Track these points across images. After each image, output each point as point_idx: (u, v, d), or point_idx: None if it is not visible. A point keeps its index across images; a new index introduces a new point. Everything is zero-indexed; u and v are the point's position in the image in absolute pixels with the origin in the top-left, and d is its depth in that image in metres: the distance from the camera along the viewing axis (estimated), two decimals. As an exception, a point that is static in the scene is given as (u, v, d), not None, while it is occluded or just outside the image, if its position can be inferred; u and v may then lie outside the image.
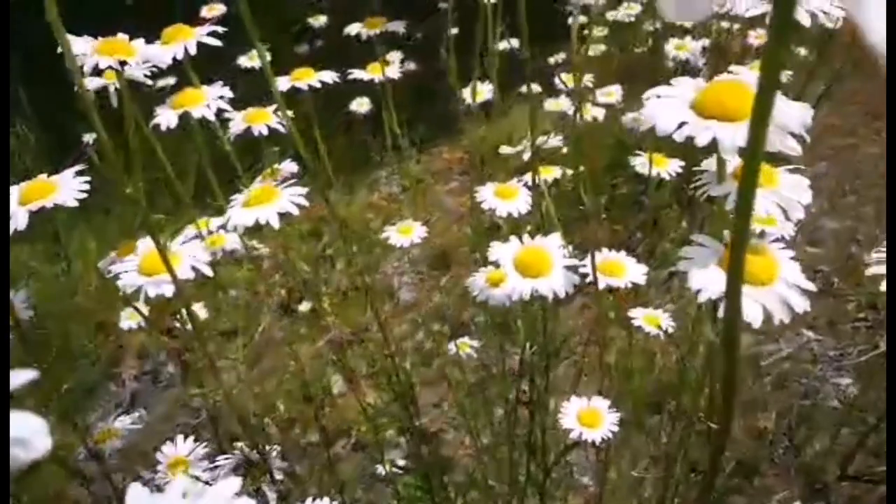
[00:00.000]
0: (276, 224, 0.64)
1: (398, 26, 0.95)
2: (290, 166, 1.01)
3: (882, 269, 0.54)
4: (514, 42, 1.81)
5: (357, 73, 1.03)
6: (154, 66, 0.73)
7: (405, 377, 1.49)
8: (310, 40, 1.95)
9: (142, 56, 0.71)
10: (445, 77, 1.12)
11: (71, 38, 0.71)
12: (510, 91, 1.56)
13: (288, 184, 0.68)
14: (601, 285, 0.82)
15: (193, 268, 0.63)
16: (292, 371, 1.43)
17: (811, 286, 0.55)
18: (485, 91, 1.34)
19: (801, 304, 0.52)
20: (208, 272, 0.63)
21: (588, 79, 1.60)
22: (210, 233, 0.97)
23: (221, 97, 0.78)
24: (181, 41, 0.76)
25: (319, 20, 1.81)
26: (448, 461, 1.27)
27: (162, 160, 0.82)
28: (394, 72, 1.04)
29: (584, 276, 0.82)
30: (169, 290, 0.60)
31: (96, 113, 0.59)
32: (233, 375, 1.44)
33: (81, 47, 0.70)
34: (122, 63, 0.70)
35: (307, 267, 1.67)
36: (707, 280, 0.52)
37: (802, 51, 1.68)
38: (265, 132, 0.82)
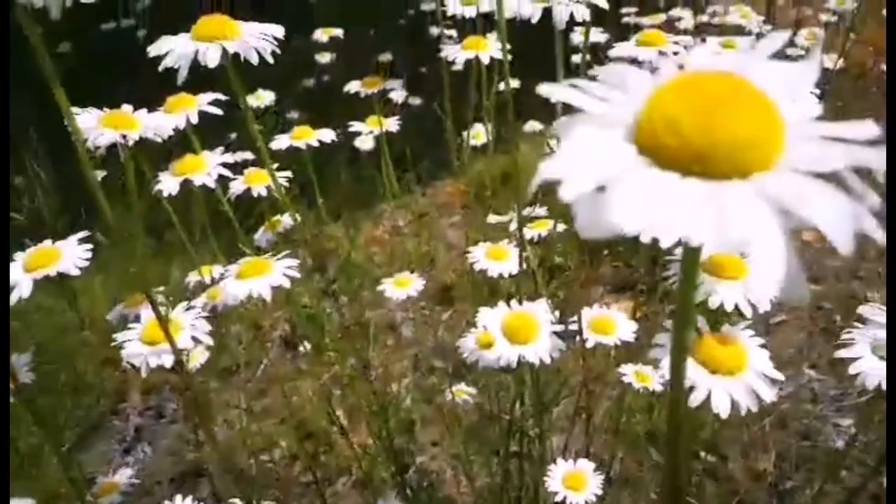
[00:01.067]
0: (268, 297, 0.66)
1: (396, 85, 0.97)
2: (288, 220, 1.03)
3: (849, 354, 0.55)
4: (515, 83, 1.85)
5: (357, 127, 1.06)
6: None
7: (405, 415, 1.51)
8: (317, 74, 1.98)
9: (144, 128, 0.74)
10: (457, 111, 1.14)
11: (76, 111, 0.74)
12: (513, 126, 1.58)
13: (281, 255, 0.71)
14: (591, 343, 0.84)
15: (194, 338, 0.65)
16: (295, 408, 1.45)
17: (779, 375, 0.57)
18: (483, 134, 1.36)
19: (769, 395, 0.54)
20: (209, 342, 0.65)
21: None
22: (213, 281, 1.00)
23: (223, 164, 0.81)
24: (183, 111, 0.79)
25: (325, 57, 1.84)
26: (446, 501, 1.28)
27: (167, 211, 0.85)
28: (392, 125, 1.06)
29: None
30: (168, 361, 0.62)
31: (100, 192, 0.61)
32: (235, 413, 1.46)
33: (86, 121, 0.72)
34: (125, 136, 0.73)
35: (311, 301, 1.70)
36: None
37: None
38: (264, 193, 0.85)
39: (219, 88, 0.78)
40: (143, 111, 0.76)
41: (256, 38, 0.60)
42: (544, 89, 0.28)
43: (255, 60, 0.61)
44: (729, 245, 0.21)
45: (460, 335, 0.80)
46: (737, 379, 0.53)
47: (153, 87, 0.77)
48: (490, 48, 0.88)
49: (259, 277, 0.68)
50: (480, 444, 1.13)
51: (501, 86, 1.66)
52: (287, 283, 0.67)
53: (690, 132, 0.24)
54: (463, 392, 1.09)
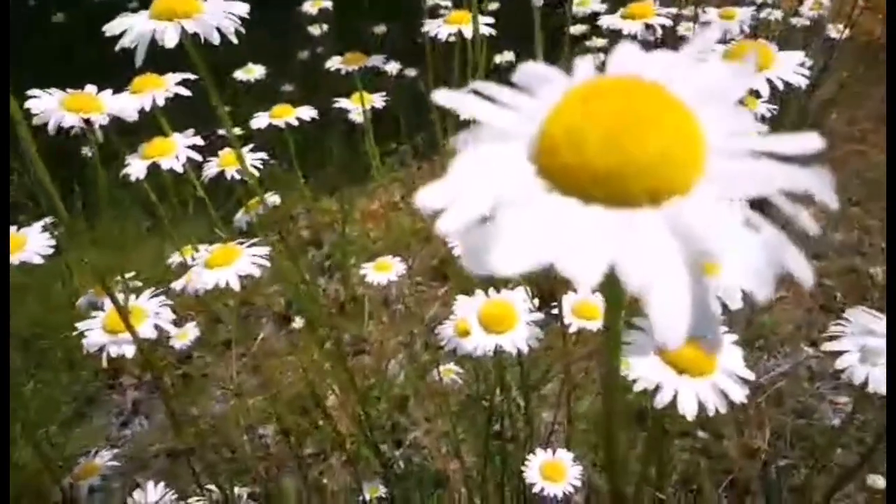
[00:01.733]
0: (236, 287, 0.65)
1: (378, 61, 0.94)
2: (273, 198, 1.02)
3: (837, 346, 0.53)
4: (509, 55, 1.81)
5: (342, 103, 1.03)
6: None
7: (399, 390, 1.51)
8: (311, 47, 1.95)
9: (109, 111, 0.72)
10: (445, 85, 1.11)
11: (36, 92, 0.72)
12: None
13: (250, 243, 0.69)
14: (574, 328, 0.82)
15: (157, 326, 0.64)
16: (286, 384, 1.45)
17: (750, 375, 0.55)
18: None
19: (740, 396, 0.52)
20: (172, 330, 0.64)
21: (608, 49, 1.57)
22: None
23: (192, 146, 0.79)
24: (150, 92, 0.77)
25: (318, 29, 1.80)
26: (437, 476, 1.28)
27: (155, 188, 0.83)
28: (378, 101, 1.04)
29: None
30: (130, 350, 0.61)
31: (55, 191, 0.59)
32: (229, 388, 1.46)
33: (46, 103, 0.70)
34: (89, 120, 0.71)
35: (307, 276, 1.69)
36: (644, 370, 0.52)
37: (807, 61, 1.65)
38: (238, 176, 0.83)
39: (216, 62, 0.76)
40: (108, 92, 0.74)
41: (219, 16, 0.58)
42: (440, 97, 0.25)
43: (216, 40, 0.58)
44: (628, 288, 0.19)
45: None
46: (706, 380, 0.51)
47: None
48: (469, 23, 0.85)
49: (227, 267, 0.66)
50: (469, 424, 1.12)
51: (498, 59, 1.63)
52: (256, 272, 0.65)
53: (593, 149, 0.21)
54: (451, 372, 1.08)
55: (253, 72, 1.57)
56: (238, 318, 1.55)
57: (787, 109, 1.75)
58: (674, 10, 0.77)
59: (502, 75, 0.27)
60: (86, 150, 1.55)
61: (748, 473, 1.36)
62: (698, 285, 0.19)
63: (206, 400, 1.47)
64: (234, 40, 0.58)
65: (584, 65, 0.26)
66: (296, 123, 0.89)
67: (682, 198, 0.22)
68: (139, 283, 0.82)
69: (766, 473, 1.34)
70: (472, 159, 0.22)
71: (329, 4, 1.46)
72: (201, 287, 0.65)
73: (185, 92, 0.76)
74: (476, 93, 0.25)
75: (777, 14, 1.49)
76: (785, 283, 1.36)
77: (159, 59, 0.68)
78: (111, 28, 0.58)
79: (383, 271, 0.94)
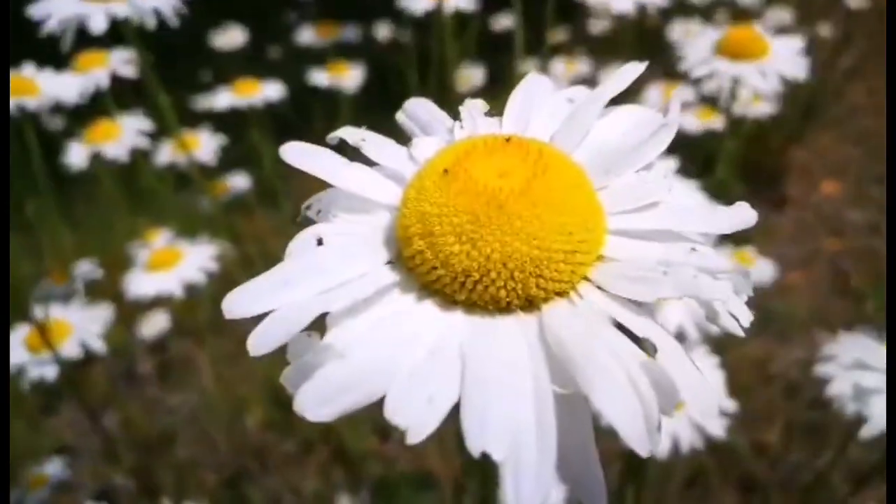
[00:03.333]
0: (179, 294, 0.59)
1: (352, 33, 0.87)
2: (239, 181, 0.95)
3: (828, 370, 0.47)
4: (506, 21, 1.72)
5: (316, 78, 0.96)
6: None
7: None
8: (299, 8, 1.87)
9: (46, 95, 0.66)
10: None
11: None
12: (506, 71, 1.48)
13: (198, 242, 0.63)
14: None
15: (84, 343, 0.58)
16: (269, 373, 1.40)
17: (730, 406, 0.49)
18: (473, 77, 1.27)
19: (718, 430, 0.46)
20: (100, 347, 0.58)
21: (591, 61, 1.51)
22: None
23: (140, 131, 0.73)
24: (94, 70, 0.70)
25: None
26: (426, 476, 1.23)
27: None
28: (354, 79, 0.97)
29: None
30: (52, 372, 0.55)
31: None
32: (210, 375, 1.41)
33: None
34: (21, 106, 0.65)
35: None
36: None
37: (824, 30, 1.56)
38: (188, 163, 0.76)
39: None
40: (48, 72, 0.68)
41: None
42: (290, 153, 0.20)
43: (151, 23, 0.52)
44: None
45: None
46: (680, 413, 0.45)
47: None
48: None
49: (169, 271, 0.60)
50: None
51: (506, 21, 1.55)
52: (202, 278, 0.59)
53: (450, 246, 0.16)
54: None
55: (232, 37, 1.49)
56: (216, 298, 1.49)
57: (808, 80, 1.66)
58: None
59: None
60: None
61: (759, 470, 1.30)
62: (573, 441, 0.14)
63: (184, 389, 1.42)
64: (174, 22, 0.52)
65: (472, 115, 0.21)
66: (260, 105, 0.82)
67: (563, 301, 0.17)
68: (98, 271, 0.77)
69: (777, 470, 1.28)
70: (312, 243, 0.19)
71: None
72: (140, 296, 0.59)
73: (130, 74, 0.69)
74: (339, 146, 0.21)
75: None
76: (799, 266, 1.28)
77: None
78: (38, 10, 0.52)
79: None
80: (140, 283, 0.58)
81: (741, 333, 0.17)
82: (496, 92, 1.67)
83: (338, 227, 0.20)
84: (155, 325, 0.98)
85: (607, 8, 0.68)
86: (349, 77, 0.94)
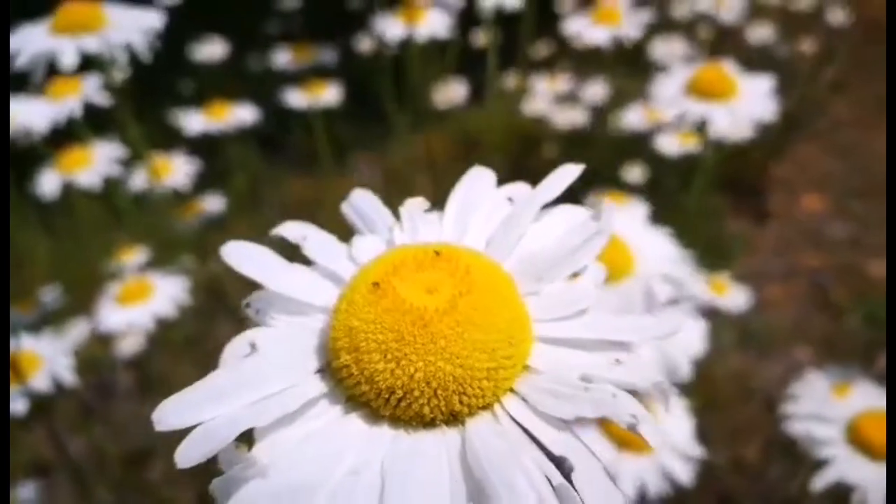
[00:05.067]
0: (150, 327, 0.59)
1: (328, 56, 0.87)
2: (214, 202, 0.95)
3: (788, 410, 0.47)
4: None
5: (292, 99, 0.96)
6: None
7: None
8: (285, 21, 1.87)
9: (17, 123, 0.66)
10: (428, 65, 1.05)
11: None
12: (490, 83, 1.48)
13: (170, 274, 0.63)
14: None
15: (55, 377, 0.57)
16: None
17: (697, 451, 0.49)
18: (453, 92, 1.27)
19: (685, 476, 0.46)
20: (70, 381, 0.58)
21: (574, 77, 1.51)
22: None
23: (113, 158, 0.72)
24: (66, 98, 0.70)
25: (291, 1, 1.72)
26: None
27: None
28: (331, 96, 0.97)
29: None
30: (21, 406, 0.55)
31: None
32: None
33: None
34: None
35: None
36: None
37: (806, 45, 1.57)
38: (165, 190, 0.76)
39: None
40: (20, 99, 0.68)
41: (128, 32, 0.51)
42: (229, 254, 0.21)
43: (122, 58, 0.52)
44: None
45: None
46: (648, 458, 0.45)
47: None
48: (429, 23, 0.78)
49: (140, 304, 0.60)
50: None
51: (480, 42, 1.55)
52: (172, 311, 0.59)
53: (375, 363, 0.17)
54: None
55: (213, 51, 1.49)
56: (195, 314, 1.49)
57: (790, 95, 1.67)
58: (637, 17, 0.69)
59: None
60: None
61: (738, 485, 1.31)
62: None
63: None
64: (146, 57, 0.52)
65: (417, 214, 0.22)
66: (230, 130, 0.82)
67: (487, 415, 0.17)
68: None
69: (756, 486, 1.29)
70: (245, 351, 0.19)
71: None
72: (111, 330, 0.59)
73: (104, 102, 0.69)
74: (278, 243, 0.21)
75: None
76: (780, 280, 1.29)
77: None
78: (14, 43, 0.52)
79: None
80: (111, 317, 0.58)
81: (656, 443, 0.17)
82: (479, 104, 1.67)
83: (271, 332, 0.20)
84: (133, 342, 0.98)
85: (580, 39, 0.68)
86: (326, 95, 0.94)
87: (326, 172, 1.80)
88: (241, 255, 0.21)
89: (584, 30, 0.70)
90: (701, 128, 0.52)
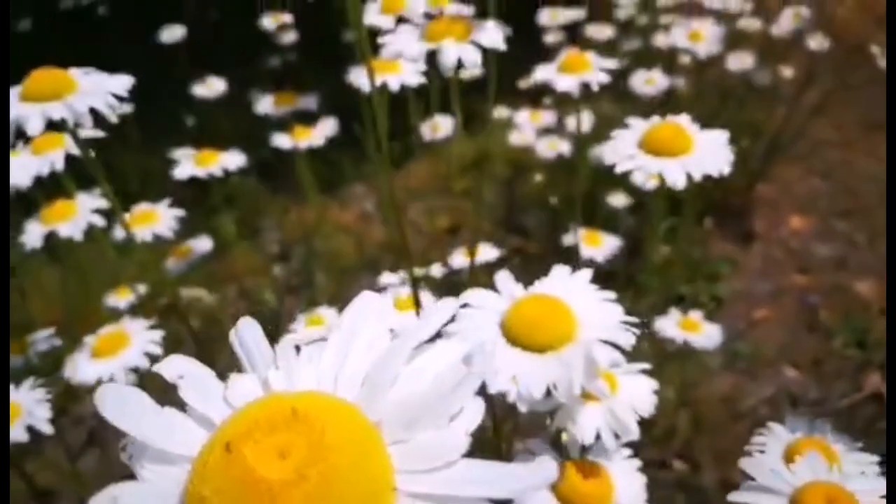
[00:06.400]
0: (121, 379, 0.60)
1: (311, 102, 0.89)
2: (202, 244, 0.97)
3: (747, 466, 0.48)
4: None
5: (279, 141, 0.98)
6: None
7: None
8: (282, 53, 1.90)
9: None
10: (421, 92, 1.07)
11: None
12: (481, 114, 1.50)
13: (144, 327, 0.64)
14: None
15: (31, 427, 0.59)
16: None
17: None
18: (441, 126, 1.29)
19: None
20: (48, 430, 0.59)
21: (557, 104, 1.53)
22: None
23: (96, 210, 0.74)
24: (49, 153, 0.72)
25: (289, 35, 1.75)
26: None
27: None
28: (318, 138, 0.98)
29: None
30: None
31: None
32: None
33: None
34: None
35: (271, 295, 1.64)
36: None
37: (787, 71, 1.59)
38: (149, 238, 0.78)
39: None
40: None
41: (93, 97, 0.53)
42: (100, 399, 0.20)
43: (88, 124, 0.53)
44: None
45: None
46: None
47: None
48: (403, 72, 0.79)
49: (114, 357, 0.61)
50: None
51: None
52: (145, 363, 0.60)
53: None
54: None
55: (213, 86, 1.51)
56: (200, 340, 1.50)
57: (772, 118, 1.69)
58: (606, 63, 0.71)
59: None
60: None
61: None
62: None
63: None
64: (114, 120, 0.53)
65: (291, 355, 0.22)
66: (220, 174, 0.84)
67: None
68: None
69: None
70: None
71: (289, 18, 1.41)
72: (85, 383, 0.60)
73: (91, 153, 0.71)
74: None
75: (755, 25, 1.42)
76: (767, 302, 1.30)
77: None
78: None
79: (317, 326, 0.89)
80: (84, 371, 0.60)
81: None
82: (472, 132, 1.69)
83: (135, 487, 0.20)
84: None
85: (552, 86, 0.70)
86: (312, 138, 0.96)
87: (324, 202, 1.83)
88: (108, 399, 0.20)
89: (553, 78, 0.71)
90: (662, 180, 0.54)
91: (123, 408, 0.20)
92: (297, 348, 0.22)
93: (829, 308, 1.56)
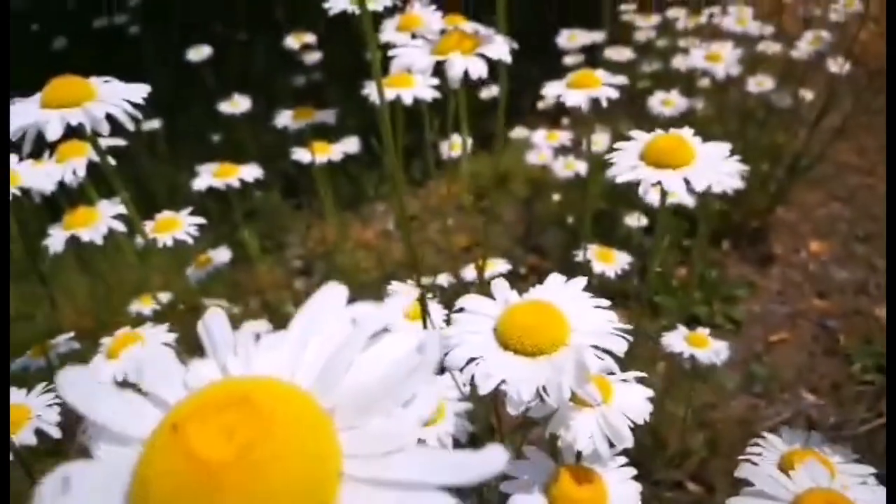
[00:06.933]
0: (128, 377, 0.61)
1: (329, 116, 0.91)
2: (221, 254, 0.99)
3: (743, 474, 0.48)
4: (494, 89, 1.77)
5: (299, 156, 1.00)
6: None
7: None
8: (307, 72, 1.93)
9: (24, 183, 0.69)
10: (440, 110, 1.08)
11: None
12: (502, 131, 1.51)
13: (160, 330, 0.66)
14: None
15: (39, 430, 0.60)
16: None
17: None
18: (459, 145, 1.31)
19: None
20: (56, 434, 0.60)
21: (574, 124, 1.54)
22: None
23: (116, 216, 0.76)
24: (72, 160, 0.74)
25: (314, 56, 1.78)
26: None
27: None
28: (337, 154, 1.00)
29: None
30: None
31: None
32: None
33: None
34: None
35: (293, 308, 1.66)
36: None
37: (808, 94, 1.59)
38: (170, 243, 0.80)
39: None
40: (28, 163, 0.71)
41: (110, 105, 0.54)
42: (62, 385, 0.20)
43: (105, 130, 0.55)
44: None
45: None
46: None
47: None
48: (416, 86, 0.81)
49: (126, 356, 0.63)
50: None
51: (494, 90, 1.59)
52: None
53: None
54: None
55: (238, 104, 1.54)
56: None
57: (792, 141, 1.68)
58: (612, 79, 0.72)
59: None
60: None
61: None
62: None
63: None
64: (131, 127, 0.55)
65: (250, 343, 0.22)
66: (237, 185, 0.86)
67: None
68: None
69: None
70: (59, 487, 0.18)
71: (313, 39, 1.44)
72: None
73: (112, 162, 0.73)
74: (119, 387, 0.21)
75: (775, 48, 1.42)
76: (785, 325, 1.29)
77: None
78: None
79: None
80: (100, 371, 0.61)
81: None
82: (489, 151, 1.70)
83: (87, 467, 0.20)
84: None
85: (562, 102, 0.71)
86: (331, 153, 0.98)
87: (345, 219, 1.85)
88: (69, 383, 0.20)
89: (562, 93, 0.72)
90: (664, 191, 0.54)
91: (83, 391, 0.20)
92: (258, 336, 0.23)
93: (849, 333, 1.55)
